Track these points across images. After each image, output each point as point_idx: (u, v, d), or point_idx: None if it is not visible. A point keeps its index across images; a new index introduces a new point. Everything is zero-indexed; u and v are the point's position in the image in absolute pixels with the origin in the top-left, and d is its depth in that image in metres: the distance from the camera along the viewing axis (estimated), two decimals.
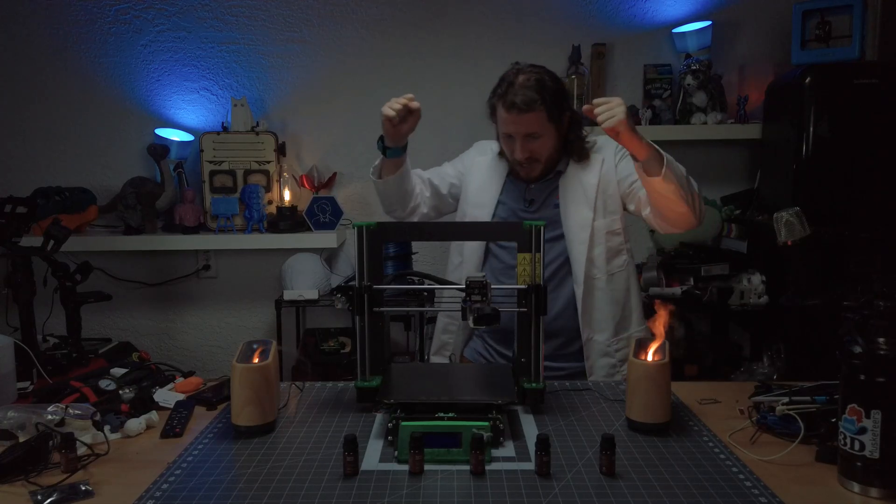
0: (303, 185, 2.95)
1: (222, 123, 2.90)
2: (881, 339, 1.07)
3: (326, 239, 2.82)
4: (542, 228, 1.39)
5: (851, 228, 2.37)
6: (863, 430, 1.07)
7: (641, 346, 1.34)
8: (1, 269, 2.08)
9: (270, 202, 2.88)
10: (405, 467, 1.16)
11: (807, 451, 1.21)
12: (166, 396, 1.49)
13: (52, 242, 2.01)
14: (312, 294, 2.77)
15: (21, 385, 1.64)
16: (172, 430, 1.33)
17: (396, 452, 1.19)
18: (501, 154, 1.87)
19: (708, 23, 2.88)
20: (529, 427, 1.34)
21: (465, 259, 1.86)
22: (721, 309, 2.71)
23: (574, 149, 1.81)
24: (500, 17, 2.97)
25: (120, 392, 1.46)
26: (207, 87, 3.03)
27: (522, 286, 1.40)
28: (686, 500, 1.06)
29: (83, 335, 2.16)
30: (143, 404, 1.42)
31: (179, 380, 1.60)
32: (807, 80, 2.54)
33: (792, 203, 2.44)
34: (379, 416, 1.40)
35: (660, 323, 1.37)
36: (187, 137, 2.98)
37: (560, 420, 1.37)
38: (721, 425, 1.34)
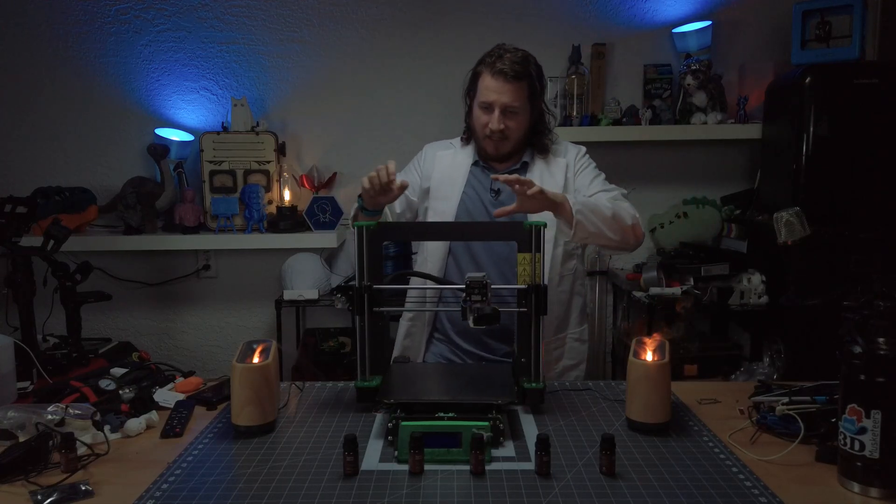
0: (303, 185, 2.96)
1: (222, 123, 2.90)
2: (881, 339, 1.07)
3: (326, 239, 2.82)
4: (542, 228, 1.39)
5: (851, 228, 2.38)
6: (863, 430, 1.07)
7: (641, 346, 1.34)
8: (1, 269, 2.08)
9: (270, 202, 2.88)
10: (405, 467, 1.16)
11: (807, 451, 1.21)
12: (166, 396, 1.49)
13: (52, 242, 2.01)
14: (312, 294, 2.77)
15: (21, 385, 1.64)
16: (172, 430, 1.33)
17: (396, 452, 1.19)
18: (465, 140, 1.88)
19: (708, 23, 2.88)
20: (529, 427, 1.34)
21: (427, 257, 1.86)
22: (721, 309, 2.71)
23: (538, 140, 1.84)
24: (500, 17, 2.97)
25: (120, 392, 1.46)
26: (207, 87, 3.03)
27: (522, 286, 1.40)
28: (686, 500, 1.06)
29: (83, 335, 2.16)
30: (143, 404, 1.42)
31: (179, 380, 1.60)
32: (807, 80, 2.54)
33: (792, 203, 2.45)
34: (379, 416, 1.40)
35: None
36: (187, 137, 2.98)
37: (560, 420, 1.37)
38: (721, 425, 1.34)
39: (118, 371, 1.57)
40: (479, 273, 1.35)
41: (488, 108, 1.76)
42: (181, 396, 1.50)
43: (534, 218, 1.62)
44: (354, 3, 2.98)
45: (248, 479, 1.14)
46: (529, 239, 1.39)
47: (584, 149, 1.91)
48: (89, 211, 2.84)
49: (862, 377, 1.07)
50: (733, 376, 2.47)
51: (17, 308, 1.93)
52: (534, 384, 1.40)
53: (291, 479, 1.13)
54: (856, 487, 1.08)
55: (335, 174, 3.00)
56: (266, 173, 2.86)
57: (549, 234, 1.73)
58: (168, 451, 1.25)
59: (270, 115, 3.01)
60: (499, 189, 1.82)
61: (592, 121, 2.89)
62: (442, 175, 1.88)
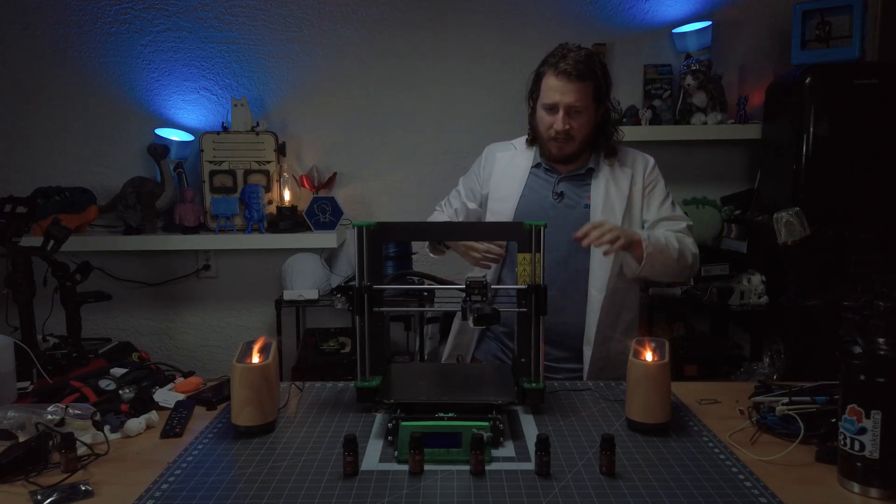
0: (303, 185, 2.96)
1: (222, 123, 2.90)
2: (881, 339, 1.07)
3: (326, 239, 2.82)
4: (542, 228, 1.39)
5: (851, 228, 2.37)
6: (863, 431, 1.07)
7: (641, 346, 1.34)
8: (1, 269, 2.08)
9: (270, 202, 2.88)
10: (405, 467, 1.16)
11: (807, 451, 1.21)
12: (166, 396, 1.49)
13: (52, 242, 2.01)
14: (312, 294, 2.77)
15: (21, 385, 1.64)
16: (172, 430, 1.33)
17: (396, 452, 1.19)
18: (530, 142, 1.87)
19: (708, 23, 2.88)
20: (529, 427, 1.34)
21: None
22: (721, 309, 2.71)
23: (603, 142, 1.82)
24: (500, 17, 2.97)
25: (120, 392, 1.46)
26: (207, 87, 3.03)
27: (522, 286, 1.40)
28: (686, 500, 1.06)
29: (83, 335, 2.16)
30: (143, 404, 1.42)
31: (179, 380, 1.60)
32: (807, 81, 2.54)
33: (792, 203, 2.45)
34: (379, 416, 1.40)
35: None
36: (187, 137, 2.98)
37: (560, 420, 1.37)
38: (721, 425, 1.34)
39: (118, 371, 1.56)
40: (479, 274, 1.35)
41: (552, 108, 1.74)
42: (181, 396, 1.50)
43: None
44: (354, 3, 2.98)
45: (248, 479, 1.14)
46: (529, 239, 1.39)
47: (652, 160, 1.87)
48: (89, 211, 2.84)
49: (862, 377, 1.07)
50: (733, 376, 2.47)
51: (17, 308, 1.93)
52: (534, 384, 1.40)
53: (291, 479, 1.13)
54: (856, 488, 1.08)
55: (335, 174, 3.00)
56: (266, 173, 2.86)
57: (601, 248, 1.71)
58: (168, 451, 1.25)
59: (270, 115, 3.01)
60: (562, 192, 1.80)
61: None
62: (501, 176, 1.87)
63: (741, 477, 1.13)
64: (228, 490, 1.10)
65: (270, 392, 1.33)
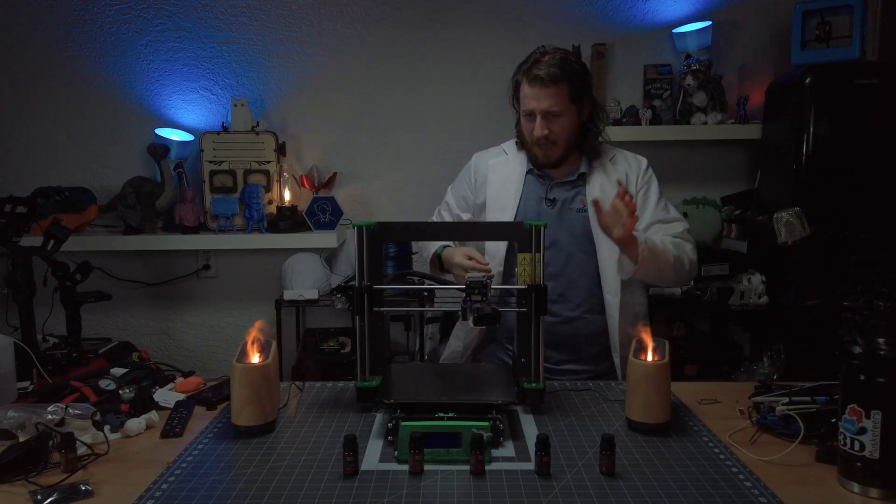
0: (303, 185, 2.95)
1: (222, 123, 2.90)
2: (881, 339, 1.07)
3: (326, 239, 2.82)
4: (542, 228, 1.39)
5: (851, 228, 2.38)
6: (863, 431, 1.07)
7: (641, 346, 1.34)
8: (1, 269, 2.08)
9: (270, 202, 2.88)
10: (405, 467, 1.16)
11: (807, 451, 1.21)
12: (166, 396, 1.49)
13: (52, 242, 2.01)
14: (312, 294, 2.77)
15: (21, 385, 1.64)
16: (172, 430, 1.33)
17: (396, 452, 1.19)
18: (520, 146, 1.86)
19: (708, 23, 2.88)
20: (529, 427, 1.34)
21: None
22: (721, 309, 2.71)
23: (587, 143, 1.80)
24: (500, 17, 2.97)
25: (120, 392, 1.46)
26: (207, 87, 3.03)
27: (522, 286, 1.40)
28: (686, 500, 1.06)
29: (83, 335, 2.16)
30: (143, 404, 1.42)
31: (179, 380, 1.60)
32: (807, 81, 2.54)
33: (792, 203, 2.44)
34: (379, 416, 1.40)
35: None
36: (187, 137, 2.97)
37: (560, 420, 1.37)
38: (721, 425, 1.34)
39: (118, 371, 1.57)
40: (479, 274, 1.35)
41: (530, 115, 1.74)
42: (181, 396, 1.50)
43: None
44: (354, 2, 2.98)
45: (248, 479, 1.14)
46: (529, 239, 1.39)
47: (646, 161, 1.86)
48: (89, 211, 2.84)
49: (862, 377, 1.07)
50: (733, 376, 2.47)
51: (17, 308, 1.93)
52: (534, 384, 1.40)
53: (291, 479, 1.13)
54: (856, 488, 1.08)
55: (335, 174, 3.00)
56: (266, 173, 2.86)
57: (612, 244, 1.71)
58: (168, 451, 1.25)
59: (270, 115, 3.01)
60: (554, 198, 1.80)
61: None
62: (498, 185, 1.85)
63: (741, 477, 1.13)
64: (228, 490, 1.10)
65: (270, 392, 1.33)
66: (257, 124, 2.88)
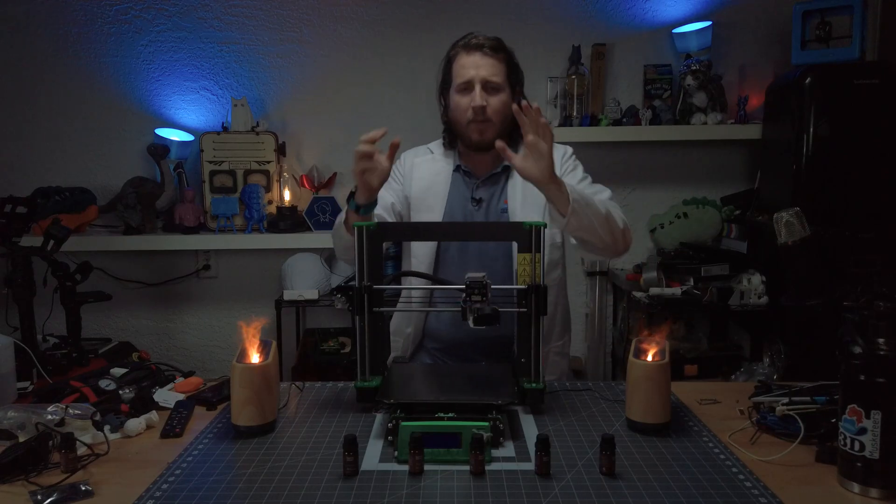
0: (303, 185, 2.96)
1: (222, 123, 2.90)
2: (881, 340, 1.07)
3: (326, 239, 2.79)
4: (542, 228, 1.39)
5: (851, 228, 2.38)
6: (863, 431, 1.07)
7: (641, 346, 1.34)
8: (1, 269, 2.08)
9: (270, 202, 2.88)
10: (405, 467, 1.16)
11: (807, 451, 1.21)
12: (166, 396, 1.49)
13: (52, 242, 2.01)
14: (312, 294, 2.77)
15: (21, 385, 1.64)
16: (172, 430, 1.33)
17: (396, 452, 1.19)
18: (447, 144, 1.81)
19: (708, 23, 2.88)
20: (529, 427, 1.34)
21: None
22: (721, 309, 2.71)
23: (518, 137, 1.68)
24: (500, 17, 2.98)
25: (120, 392, 1.46)
26: (207, 87, 3.03)
27: (522, 286, 1.40)
28: (686, 500, 1.06)
29: (83, 335, 2.16)
30: (143, 404, 1.42)
31: (179, 380, 1.60)
32: (807, 81, 2.54)
33: (792, 203, 2.44)
34: (379, 416, 1.40)
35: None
36: (187, 137, 2.98)
37: (560, 420, 1.37)
38: (721, 425, 1.34)
39: (118, 371, 1.56)
40: (479, 273, 1.34)
41: (467, 86, 1.69)
42: (181, 396, 1.50)
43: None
44: (354, 3, 2.98)
45: (248, 479, 1.14)
46: (529, 239, 1.39)
47: (570, 149, 1.83)
48: (89, 211, 2.84)
49: (862, 377, 1.07)
50: (733, 376, 2.47)
51: (17, 308, 1.93)
52: (534, 384, 1.40)
53: (291, 479, 1.13)
54: (856, 488, 1.08)
55: (335, 174, 3.00)
56: (266, 173, 2.86)
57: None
58: (168, 451, 1.25)
59: (270, 115, 3.01)
60: (480, 198, 1.77)
61: (592, 121, 2.89)
62: (423, 184, 1.80)
63: (741, 477, 1.13)
64: (228, 490, 1.10)
65: (270, 392, 1.33)
66: (257, 124, 2.88)
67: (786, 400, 1.31)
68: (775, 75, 2.93)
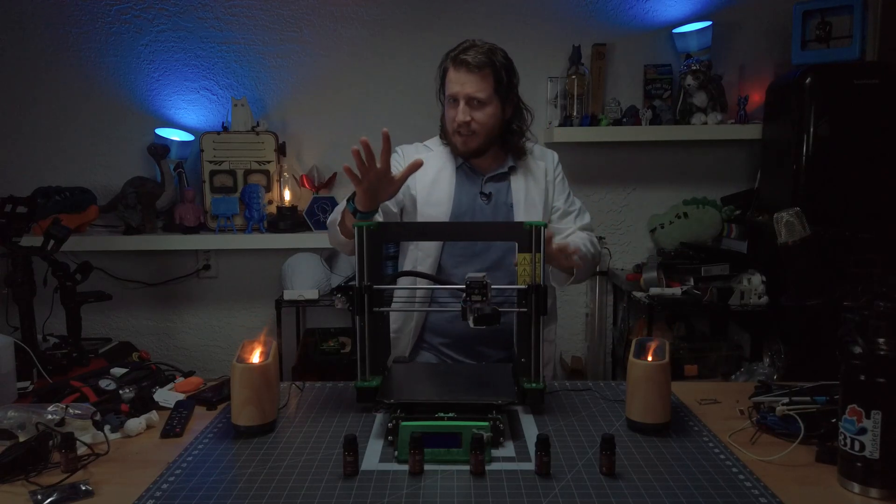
0: (303, 185, 2.96)
1: (222, 123, 2.90)
2: (881, 340, 1.07)
3: (326, 239, 2.79)
4: (542, 228, 1.39)
5: (851, 228, 2.38)
6: (863, 431, 1.07)
7: (641, 346, 1.34)
8: (1, 269, 2.08)
9: (270, 202, 2.88)
10: (405, 467, 1.16)
11: (807, 451, 1.21)
12: (166, 396, 1.49)
13: (52, 242, 2.01)
14: (312, 294, 2.77)
15: (21, 385, 1.64)
16: (172, 430, 1.33)
17: (396, 452, 1.19)
18: (446, 143, 1.83)
19: (708, 23, 2.88)
20: (529, 427, 1.34)
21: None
22: (721, 309, 2.71)
23: (511, 142, 1.80)
24: (500, 17, 2.97)
25: (120, 392, 1.46)
26: (207, 87, 3.03)
27: (522, 286, 1.40)
28: (686, 500, 1.06)
29: (83, 335, 2.16)
30: (143, 404, 1.42)
31: (179, 380, 1.60)
32: (807, 81, 2.54)
33: (792, 203, 2.45)
34: (379, 416, 1.40)
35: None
36: (187, 137, 2.98)
37: (560, 420, 1.37)
38: (721, 425, 1.34)
39: (118, 371, 1.56)
40: (479, 273, 1.34)
41: (454, 100, 1.73)
42: (181, 396, 1.50)
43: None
44: (354, 3, 2.98)
45: (248, 479, 1.14)
46: (529, 239, 1.39)
47: (557, 155, 1.90)
48: (89, 211, 2.84)
49: (862, 377, 1.07)
50: (733, 376, 2.47)
51: (17, 308, 1.93)
52: (534, 384, 1.40)
53: (291, 479, 1.13)
54: (856, 488, 1.08)
55: (335, 174, 3.00)
56: (266, 173, 2.86)
57: None
58: (168, 451, 1.25)
59: (270, 115, 3.01)
60: (490, 193, 1.79)
61: (593, 121, 2.89)
62: (427, 178, 1.81)
63: (741, 477, 1.13)
64: (228, 490, 1.10)
65: (270, 392, 1.33)
66: (257, 124, 2.88)
67: (786, 400, 1.31)
68: (775, 75, 2.93)
